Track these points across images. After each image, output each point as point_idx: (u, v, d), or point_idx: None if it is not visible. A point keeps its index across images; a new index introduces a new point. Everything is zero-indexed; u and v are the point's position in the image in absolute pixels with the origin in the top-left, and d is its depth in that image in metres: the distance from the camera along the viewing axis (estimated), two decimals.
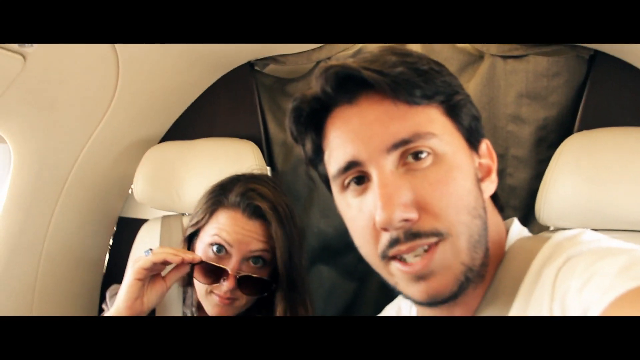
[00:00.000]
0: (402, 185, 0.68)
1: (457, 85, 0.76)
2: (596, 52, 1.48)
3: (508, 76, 1.57)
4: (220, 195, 1.25)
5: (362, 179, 0.72)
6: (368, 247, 0.74)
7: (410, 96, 0.69)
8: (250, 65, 1.79)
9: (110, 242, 1.96)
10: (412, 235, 0.67)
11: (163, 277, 1.17)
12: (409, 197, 0.67)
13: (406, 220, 0.67)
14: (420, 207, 0.68)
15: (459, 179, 0.70)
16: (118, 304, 1.13)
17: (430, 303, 0.71)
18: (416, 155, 0.69)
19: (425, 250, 0.68)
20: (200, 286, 1.20)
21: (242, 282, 1.17)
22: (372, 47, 1.60)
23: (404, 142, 0.69)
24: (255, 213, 1.20)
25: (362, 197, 0.72)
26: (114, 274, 1.86)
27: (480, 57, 1.62)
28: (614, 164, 1.24)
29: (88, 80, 1.47)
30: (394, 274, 0.72)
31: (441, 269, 0.68)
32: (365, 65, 0.70)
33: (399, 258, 0.70)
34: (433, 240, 0.68)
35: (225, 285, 1.16)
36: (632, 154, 1.24)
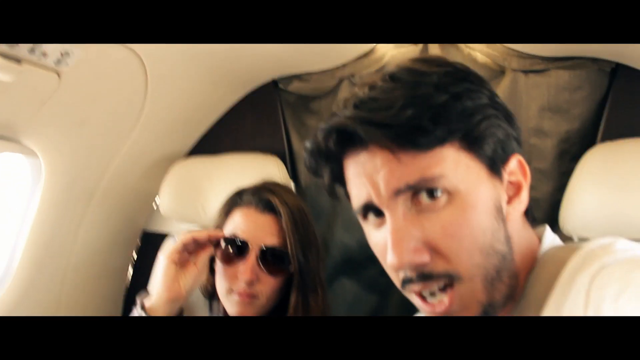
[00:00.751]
0: (414, 228, 0.67)
1: (481, 108, 0.70)
2: (617, 65, 1.49)
3: (530, 90, 1.59)
4: (235, 197, 1.30)
5: (380, 213, 0.72)
6: (390, 275, 0.74)
7: (416, 145, 0.66)
8: (274, 83, 1.83)
9: (134, 255, 1.99)
10: (424, 276, 0.68)
11: (194, 262, 1.20)
12: (420, 241, 0.67)
13: (417, 264, 0.67)
14: (432, 249, 0.67)
15: (474, 219, 0.68)
16: (157, 289, 1.17)
17: None
18: (431, 194, 0.67)
19: (441, 289, 0.68)
20: (221, 287, 1.23)
21: (264, 257, 1.20)
22: (395, 62, 1.63)
23: (409, 187, 0.67)
24: (267, 207, 1.24)
25: (381, 229, 0.72)
26: (137, 287, 1.87)
27: (502, 72, 1.64)
28: (637, 174, 1.24)
29: (118, 98, 1.51)
30: (416, 303, 0.73)
31: (460, 310, 0.69)
32: (369, 115, 0.67)
33: (418, 293, 0.70)
34: (445, 281, 0.68)
35: (247, 263, 1.18)
36: None
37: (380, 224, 0.72)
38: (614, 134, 1.44)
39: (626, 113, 1.47)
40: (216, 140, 1.89)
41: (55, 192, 1.52)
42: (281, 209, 1.23)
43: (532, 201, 1.60)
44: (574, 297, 0.65)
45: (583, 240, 0.84)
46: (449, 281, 0.68)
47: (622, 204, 1.24)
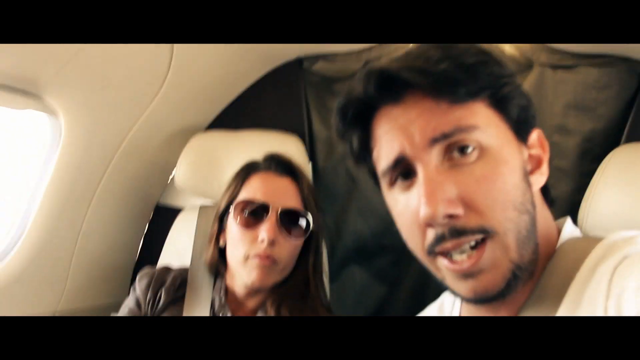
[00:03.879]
0: (447, 181, 0.67)
1: (505, 76, 0.74)
2: None
3: (557, 86, 1.57)
4: (250, 165, 1.32)
5: (409, 175, 0.72)
6: (415, 242, 0.73)
7: (452, 95, 0.68)
8: (299, 61, 1.82)
9: (146, 228, 1.98)
10: (457, 232, 0.67)
11: None
12: (454, 193, 0.67)
13: (450, 216, 0.66)
14: (466, 203, 0.67)
15: (506, 174, 0.69)
16: None
17: (478, 300, 0.70)
18: (462, 150, 0.69)
19: (472, 248, 0.68)
20: (237, 255, 1.23)
21: (283, 219, 1.21)
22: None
23: (445, 135, 0.68)
24: (285, 171, 1.28)
25: (409, 192, 0.72)
26: (146, 260, 1.86)
27: (529, 66, 1.62)
28: None
29: (142, 63, 1.49)
30: (441, 269, 0.72)
31: (489, 267, 0.68)
32: (408, 64, 0.70)
33: (446, 254, 0.69)
34: (479, 237, 0.67)
35: (268, 224, 1.19)
36: None
37: (409, 186, 0.73)
38: (638, 136, 1.43)
39: None
40: (237, 115, 1.87)
41: (73, 156, 1.51)
42: (300, 173, 1.27)
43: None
44: (596, 287, 0.65)
45: None
46: (482, 238, 0.67)
47: None
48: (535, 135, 0.78)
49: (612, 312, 0.61)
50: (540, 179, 0.76)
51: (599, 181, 1.29)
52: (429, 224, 0.68)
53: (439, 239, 0.68)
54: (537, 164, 0.77)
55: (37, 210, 1.49)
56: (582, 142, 1.56)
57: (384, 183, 0.77)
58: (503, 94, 0.72)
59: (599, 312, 0.62)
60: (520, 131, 0.74)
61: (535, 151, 0.77)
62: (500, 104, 0.72)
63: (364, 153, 0.80)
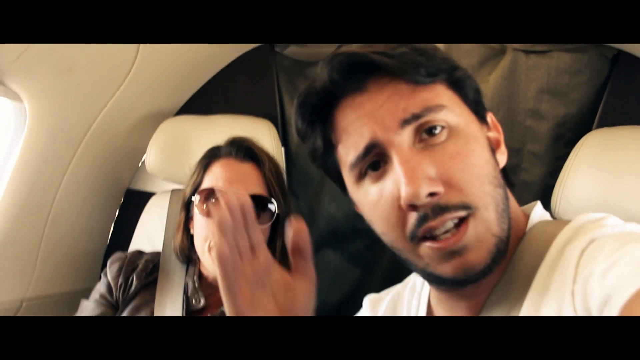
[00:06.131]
0: (424, 160, 0.67)
1: (454, 62, 0.76)
2: (620, 52, 1.48)
3: (529, 71, 1.56)
4: (212, 151, 1.31)
5: (378, 164, 0.72)
6: (395, 232, 0.72)
7: (415, 76, 0.69)
8: (270, 45, 1.79)
9: (116, 213, 1.95)
10: (440, 209, 0.66)
11: None
12: (433, 171, 0.67)
13: (432, 194, 0.66)
14: (444, 181, 0.67)
15: (477, 149, 0.70)
16: None
17: (464, 280, 0.69)
18: (430, 131, 0.69)
19: (455, 225, 0.67)
20: (201, 247, 1.22)
21: None
22: None
23: (415, 116, 0.68)
24: (247, 156, 1.26)
25: (381, 181, 0.71)
26: (117, 245, 1.84)
27: (502, 51, 1.62)
28: (633, 162, 1.23)
29: (109, 47, 1.46)
30: (425, 255, 0.70)
31: (474, 243, 0.67)
32: (369, 48, 0.71)
33: (429, 237, 0.68)
34: (462, 213, 0.67)
35: None
36: None
37: (381, 175, 0.72)
38: (610, 121, 1.43)
39: (624, 101, 1.46)
40: (208, 100, 1.85)
41: (39, 141, 1.48)
42: (263, 156, 1.25)
43: (524, 184, 1.59)
44: (564, 269, 0.66)
45: None
46: (465, 214, 0.67)
47: (615, 191, 1.23)
48: (489, 118, 0.80)
49: (578, 296, 0.61)
50: (501, 158, 0.79)
51: (572, 166, 1.30)
52: (412, 204, 0.67)
53: (422, 219, 0.67)
54: (496, 144, 0.79)
55: (2, 196, 1.46)
56: (555, 126, 1.56)
57: (351, 178, 0.76)
58: (458, 76, 0.74)
59: (566, 296, 0.63)
60: (479, 112, 0.77)
61: (492, 134, 0.79)
62: (457, 86, 0.74)
63: (326, 152, 0.78)
